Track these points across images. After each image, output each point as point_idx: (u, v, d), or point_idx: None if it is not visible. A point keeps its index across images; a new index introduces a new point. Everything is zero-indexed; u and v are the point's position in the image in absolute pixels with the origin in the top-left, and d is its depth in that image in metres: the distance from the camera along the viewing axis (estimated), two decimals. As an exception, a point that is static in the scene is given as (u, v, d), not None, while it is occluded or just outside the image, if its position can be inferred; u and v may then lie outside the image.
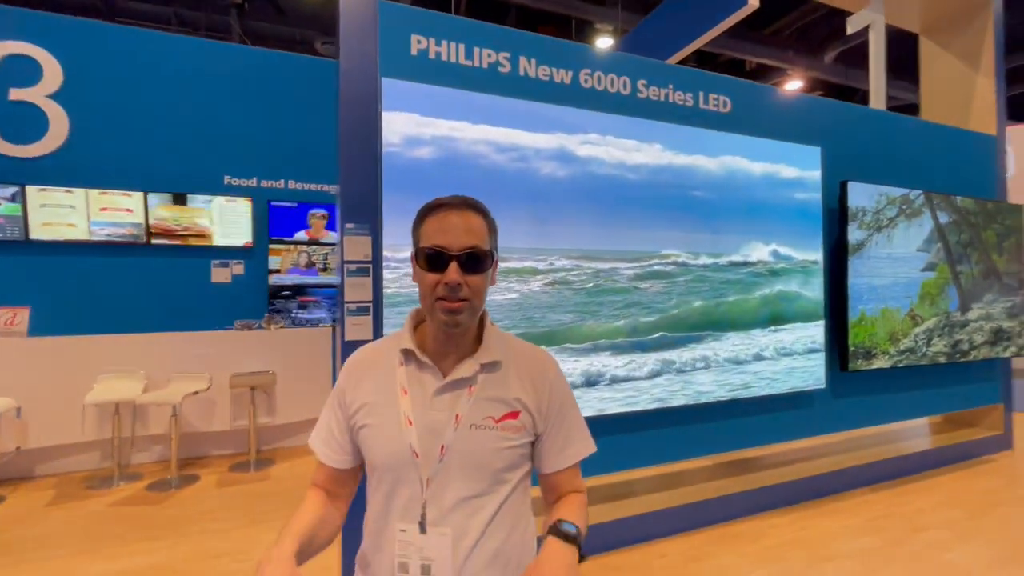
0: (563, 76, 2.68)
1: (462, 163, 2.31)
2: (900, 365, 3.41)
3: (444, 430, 0.83)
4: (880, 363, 3.32)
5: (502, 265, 2.39)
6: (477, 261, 0.83)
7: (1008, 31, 4.34)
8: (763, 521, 2.98)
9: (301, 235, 5.70)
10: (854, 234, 3.22)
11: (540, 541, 0.84)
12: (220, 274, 5.40)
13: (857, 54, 10.86)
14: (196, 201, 5.18)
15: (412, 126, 2.23)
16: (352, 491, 0.97)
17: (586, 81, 2.73)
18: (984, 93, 4.20)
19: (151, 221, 5.01)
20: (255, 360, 4.16)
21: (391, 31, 2.32)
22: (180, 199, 5.14)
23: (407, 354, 0.89)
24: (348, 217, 2.25)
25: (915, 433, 4.19)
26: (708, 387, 2.79)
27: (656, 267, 2.71)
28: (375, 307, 2.27)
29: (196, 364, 4.01)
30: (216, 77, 5.29)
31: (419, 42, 2.38)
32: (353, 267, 2.25)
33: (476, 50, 2.49)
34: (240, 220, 5.38)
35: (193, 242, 5.21)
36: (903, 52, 9.52)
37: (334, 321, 5.74)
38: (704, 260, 2.83)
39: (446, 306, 0.81)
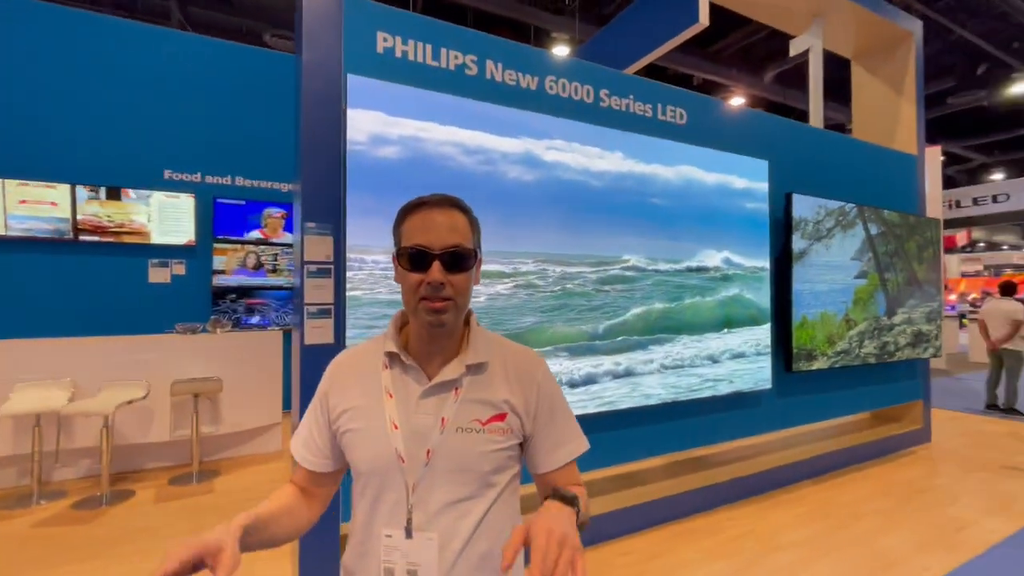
0: (529, 81, 2.70)
1: (429, 164, 2.28)
2: (837, 366, 3.66)
3: (430, 434, 0.81)
4: (819, 364, 3.55)
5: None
6: (460, 260, 0.81)
7: (926, 60, 4.76)
8: (719, 515, 3.11)
9: (255, 234, 5.44)
10: (797, 243, 3.44)
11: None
12: (158, 274, 5.07)
13: (794, 75, 11.61)
14: (132, 196, 4.83)
15: (378, 125, 2.18)
16: (329, 493, 0.95)
17: (551, 87, 2.77)
18: (907, 117, 4.60)
19: (79, 216, 4.64)
20: (199, 366, 3.92)
21: (356, 27, 2.26)
22: (113, 193, 4.78)
23: (391, 357, 0.87)
24: (309, 216, 2.16)
25: (846, 429, 4.50)
26: (664, 389, 2.88)
27: (617, 272, 2.78)
28: (337, 309, 2.20)
29: (132, 371, 3.73)
30: (157, 65, 4.98)
31: (385, 40, 2.34)
32: (314, 268, 2.17)
33: (443, 51, 2.47)
34: (182, 217, 5.08)
35: (128, 239, 4.86)
36: (835, 76, 10.26)
37: (284, 324, 5.51)
38: (662, 266, 2.93)
39: (430, 306, 0.79)
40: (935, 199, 7.95)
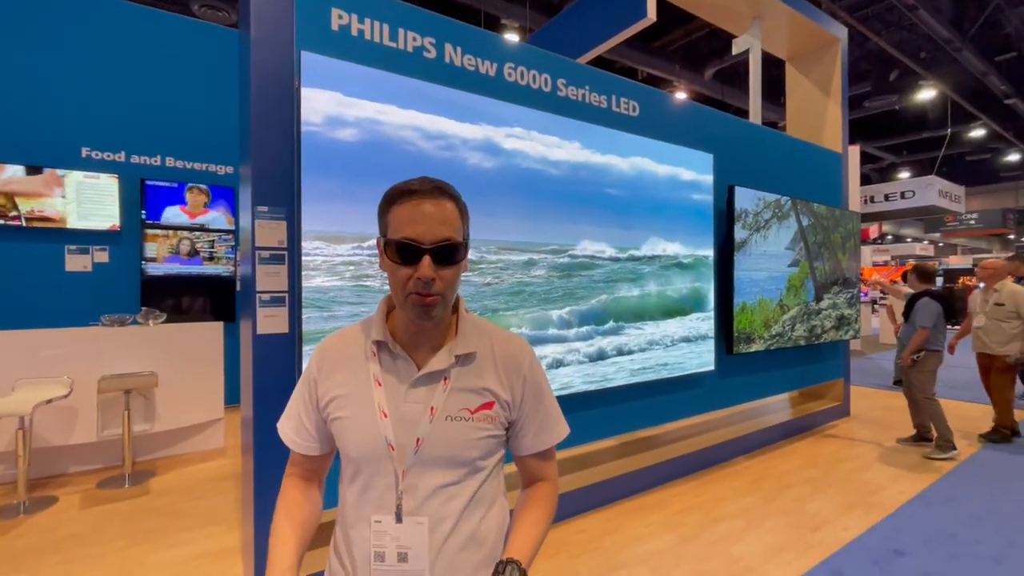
0: (488, 68, 2.69)
1: (388, 148, 2.23)
2: (772, 348, 3.93)
3: (419, 422, 0.82)
4: (757, 346, 3.80)
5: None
6: (451, 253, 0.79)
7: (850, 64, 5.13)
8: (665, 491, 3.28)
9: (176, 212, 5.04)
10: (739, 233, 3.64)
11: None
12: (77, 262, 4.64)
13: (732, 74, 12.18)
14: (41, 175, 4.37)
15: (335, 105, 2.10)
16: (326, 470, 0.97)
17: (510, 75, 2.77)
18: (833, 117, 4.96)
19: (-18, 197, 4.16)
20: (130, 360, 3.65)
21: (309, 2, 2.16)
22: (29, 172, 4.31)
23: (380, 345, 0.86)
24: (260, 199, 2.06)
25: (775, 408, 4.85)
26: (615, 372, 2.99)
27: (572, 259, 2.84)
28: (291, 297, 2.12)
29: (52, 367, 3.42)
30: (72, 31, 4.51)
31: (340, 17, 2.25)
32: (266, 254, 2.07)
33: (401, 32, 2.41)
34: (104, 200, 4.66)
35: (39, 224, 4.41)
36: (768, 76, 10.83)
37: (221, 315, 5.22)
38: (616, 254, 3.02)
39: (420, 301, 0.78)
40: (854, 194, 8.65)
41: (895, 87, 12.93)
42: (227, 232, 5.31)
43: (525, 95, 2.79)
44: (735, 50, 4.64)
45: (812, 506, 3.10)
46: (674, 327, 3.29)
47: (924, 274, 4.12)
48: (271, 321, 2.08)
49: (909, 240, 24.00)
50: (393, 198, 0.82)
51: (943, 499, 3.18)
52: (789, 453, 4.06)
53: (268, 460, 2.05)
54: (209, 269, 5.24)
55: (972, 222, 17.55)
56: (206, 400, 4.05)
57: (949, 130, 14.39)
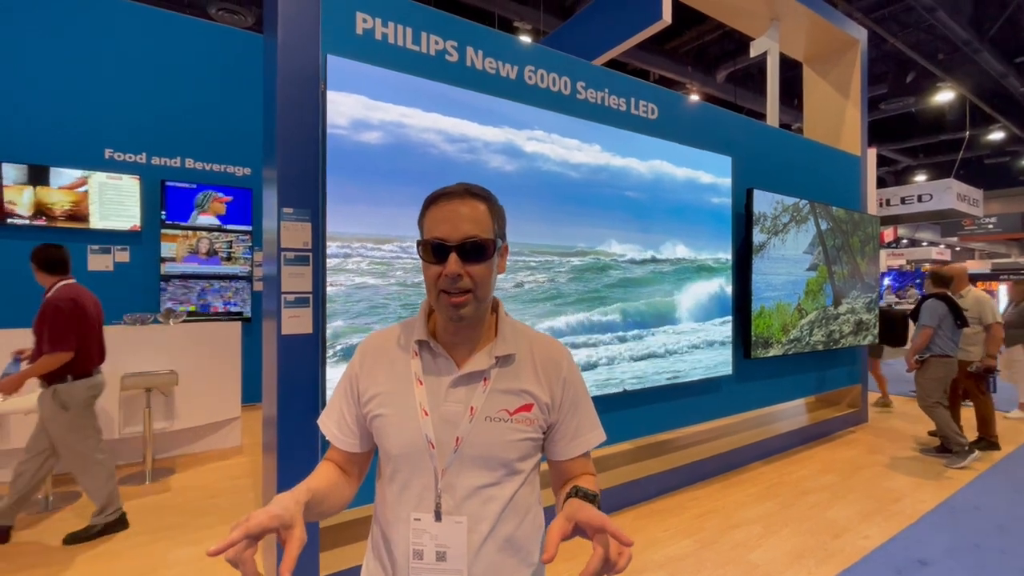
0: (509, 71, 2.70)
1: (412, 151, 2.25)
2: (790, 353, 3.90)
3: (459, 422, 0.84)
4: (775, 351, 3.77)
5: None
6: (478, 251, 0.81)
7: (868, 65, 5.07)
8: (682, 496, 3.26)
9: (201, 218, 5.13)
10: (757, 237, 3.62)
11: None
12: (99, 261, 4.73)
13: (744, 76, 12.10)
14: (66, 176, 4.46)
15: (360, 109, 2.12)
16: (364, 471, 0.96)
17: (530, 78, 2.78)
18: (852, 119, 4.91)
19: (6, 197, 4.25)
20: (151, 358, 3.71)
21: (335, 6, 2.18)
22: (44, 174, 4.40)
23: (421, 344, 0.89)
24: (286, 201, 2.08)
25: (791, 413, 4.81)
26: (632, 376, 2.98)
27: (594, 261, 2.84)
28: (315, 298, 2.14)
29: (76, 364, 3.47)
30: (96, 35, 4.60)
31: (365, 21, 2.27)
32: (291, 255, 2.10)
33: (424, 36, 2.43)
34: (126, 200, 4.75)
35: (63, 224, 4.49)
36: (782, 78, 10.71)
37: (240, 313, 5.28)
38: (635, 256, 3.02)
39: (449, 300, 0.81)
40: (871, 198, 8.55)
41: (912, 89, 12.76)
42: (244, 233, 5.37)
43: (545, 98, 2.80)
44: (753, 52, 4.61)
45: (831, 513, 3.07)
46: (692, 331, 3.28)
47: (938, 278, 4.06)
48: (295, 322, 2.10)
49: (925, 244, 23.67)
50: (427, 204, 0.86)
51: (968, 508, 3.13)
52: (806, 459, 4.02)
53: (292, 459, 2.07)
54: (226, 269, 5.30)
55: (990, 226, 17.26)
56: (224, 399, 4.09)
57: (968, 132, 14.17)
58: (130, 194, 4.75)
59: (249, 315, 5.38)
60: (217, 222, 5.23)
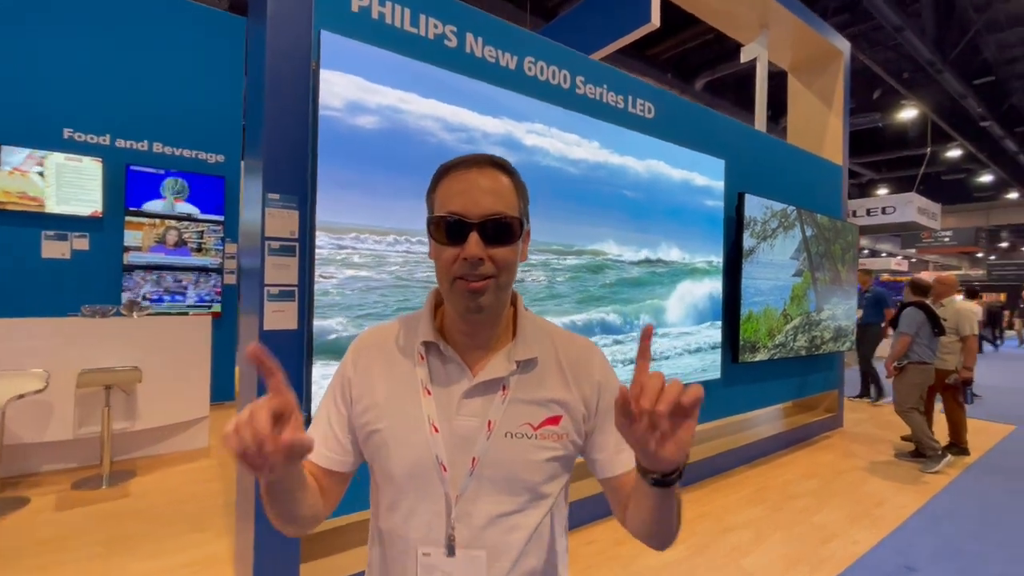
0: (508, 60, 2.60)
1: (409, 138, 2.12)
2: (775, 358, 3.92)
3: (475, 439, 0.71)
4: (761, 355, 3.78)
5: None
6: (503, 230, 0.68)
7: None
8: (671, 502, 3.22)
9: (160, 201, 4.80)
10: (747, 241, 3.62)
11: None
12: (54, 248, 4.40)
13: (722, 86, 12.31)
14: (18, 156, 4.13)
15: (356, 91, 1.98)
16: (339, 497, 0.79)
17: (530, 69, 2.68)
18: (834, 129, 5.00)
19: (-47, 176, 3.90)
20: (112, 353, 3.45)
21: (330, -20, 2.04)
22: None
23: (429, 346, 0.75)
24: (272, 187, 1.93)
25: (770, 417, 4.85)
26: (626, 379, 2.91)
27: (591, 260, 2.76)
28: (301, 291, 1.99)
29: (26, 359, 3.20)
30: (61, 9, 4.28)
31: (361, -3, 2.13)
32: (276, 245, 1.95)
33: (423, 18, 2.31)
34: (86, 184, 4.43)
35: (15, 207, 4.16)
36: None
37: (209, 307, 5.01)
38: (631, 257, 2.96)
39: (467, 287, 0.67)
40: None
41: (878, 105, 13.28)
42: (216, 223, 5.10)
43: (544, 90, 2.71)
44: (743, 58, 4.65)
45: (819, 518, 3.07)
46: (685, 333, 3.24)
47: (917, 287, 4.17)
48: (279, 316, 1.95)
49: (884, 255, 24.66)
50: (439, 175, 0.73)
51: (946, 513, 3.19)
52: (788, 463, 4.05)
53: (272, 465, 1.91)
54: (196, 260, 5.02)
55: (946, 239, 18.09)
56: (191, 397, 3.85)
57: (929, 149, 14.81)
58: (91, 177, 4.44)
59: (219, 309, 5.12)
60: (188, 210, 4.95)
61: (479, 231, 0.67)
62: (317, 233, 1.94)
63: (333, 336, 1.97)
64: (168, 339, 3.72)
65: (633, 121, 3.12)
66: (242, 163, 5.38)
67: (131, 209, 4.68)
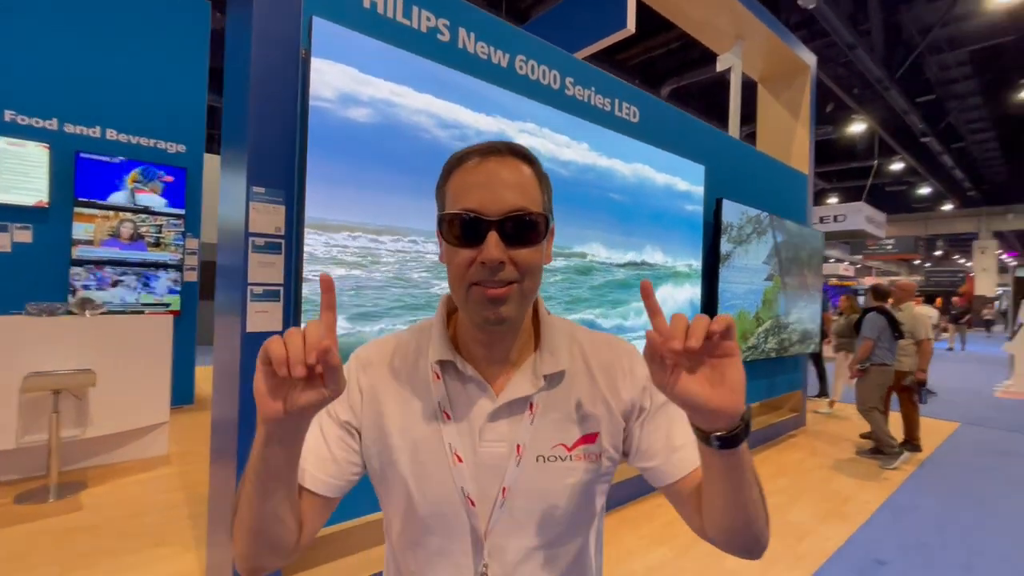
0: (500, 58, 2.56)
1: (402, 133, 2.05)
2: (747, 360, 4.03)
3: (504, 466, 0.63)
4: (735, 357, 3.88)
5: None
6: (526, 229, 0.59)
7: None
8: (648, 503, 3.25)
9: (115, 191, 4.50)
10: (724, 246, 3.70)
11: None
12: (-8, 240, 4.04)
13: (686, 94, 12.66)
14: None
15: (349, 82, 1.89)
16: (320, 525, 0.67)
17: (521, 68, 2.65)
18: (801, 139, 5.20)
19: None
20: (62, 356, 3.19)
21: (321, -36, 1.94)
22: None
23: (444, 364, 0.66)
24: (257, 180, 1.82)
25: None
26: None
27: (579, 263, 2.75)
28: (287, 291, 1.89)
29: (-38, 361, 2.91)
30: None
31: (353, -15, 2.04)
32: (261, 242, 1.83)
33: (416, 10, 2.23)
34: (30, 172, 4.09)
35: (-54, 194, 3.80)
36: (724, 100, 11.26)
37: (167, 305, 4.73)
38: (618, 259, 2.97)
39: (485, 293, 0.59)
40: (800, 215, 9.24)
41: (831, 118, 13.98)
42: (176, 216, 4.82)
43: (535, 90, 2.68)
44: (719, 67, 4.77)
45: (792, 515, 3.17)
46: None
47: (878, 292, 4.39)
48: (263, 318, 1.84)
49: (832, 260, 26.00)
50: (451, 166, 0.64)
51: (908, 508, 3.36)
52: (759, 463, 4.17)
53: (255, 475, 1.80)
54: (154, 256, 4.72)
55: (889, 247, 19.22)
56: (150, 402, 3.62)
57: (876, 161, 15.69)
58: (36, 164, 4.11)
59: (179, 307, 4.83)
60: (146, 203, 4.65)
61: (499, 230, 0.58)
62: (306, 230, 1.84)
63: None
64: (125, 340, 3.47)
65: (619, 124, 3.13)
66: (204, 156, 5.12)
67: (81, 200, 4.36)
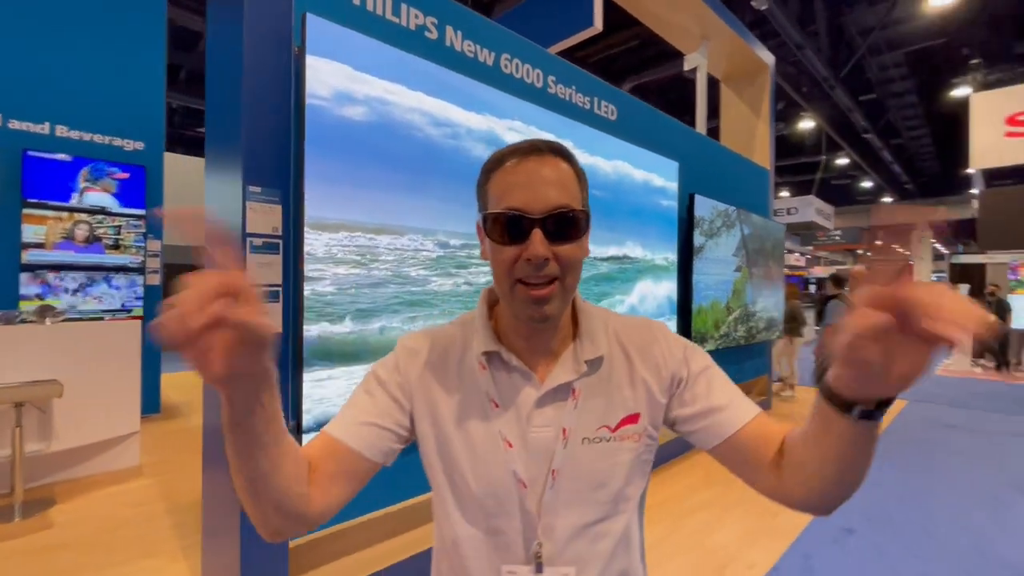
0: (486, 56, 2.58)
1: (395, 131, 2.04)
2: (720, 347, 4.21)
3: (552, 450, 0.67)
4: (709, 346, 4.05)
5: (436, 251, 2.20)
6: (569, 225, 0.62)
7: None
8: (637, 488, 3.37)
9: (87, 196, 4.29)
10: (697, 239, 3.85)
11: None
12: (-71, 245, 3.75)
13: (645, 91, 12.93)
14: None
15: (344, 80, 1.88)
16: (352, 490, 0.66)
17: (506, 66, 2.68)
18: (763, 136, 5.45)
19: None
20: (21, 366, 3.01)
21: (311, -41, 1.92)
22: None
23: (490, 355, 0.70)
24: (252, 179, 1.79)
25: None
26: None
27: (565, 259, 2.81)
28: (286, 292, 1.86)
29: (-88, 376, 2.71)
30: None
31: (342, -19, 2.02)
32: (259, 242, 1.80)
33: (404, 7, 2.23)
34: (-28, 171, 3.82)
35: None
36: (683, 97, 11.61)
37: (128, 311, 4.52)
38: (600, 253, 3.05)
39: (531, 294, 0.62)
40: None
41: (782, 115, 14.62)
42: (136, 217, 4.59)
43: (520, 88, 2.72)
44: (687, 67, 4.93)
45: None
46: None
47: (837, 280, 4.67)
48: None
49: (785, 252, 27.21)
50: (491, 166, 0.67)
51: (870, 481, 3.49)
52: (731, 445, 4.37)
53: (259, 479, 1.78)
54: (112, 259, 4.49)
55: (837, 238, 20.29)
56: (119, 411, 3.46)
57: (824, 156, 16.53)
58: (-21, 163, 3.84)
59: (141, 313, 4.62)
60: (102, 202, 4.42)
61: (542, 227, 0.61)
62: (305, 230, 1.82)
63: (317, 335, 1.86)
64: (90, 347, 3.31)
65: (598, 122, 3.21)
66: (165, 154, 4.90)
67: (30, 201, 4.10)
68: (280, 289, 1.85)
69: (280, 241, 1.85)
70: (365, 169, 1.95)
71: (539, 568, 0.65)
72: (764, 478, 0.67)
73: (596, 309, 0.76)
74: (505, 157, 0.65)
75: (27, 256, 4.09)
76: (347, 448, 0.65)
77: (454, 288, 2.26)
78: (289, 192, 1.87)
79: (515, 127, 2.53)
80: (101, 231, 4.42)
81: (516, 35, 2.76)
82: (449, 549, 0.72)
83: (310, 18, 1.82)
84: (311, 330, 1.82)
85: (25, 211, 4.09)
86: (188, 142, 12.96)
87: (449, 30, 2.41)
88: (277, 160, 1.84)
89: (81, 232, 4.34)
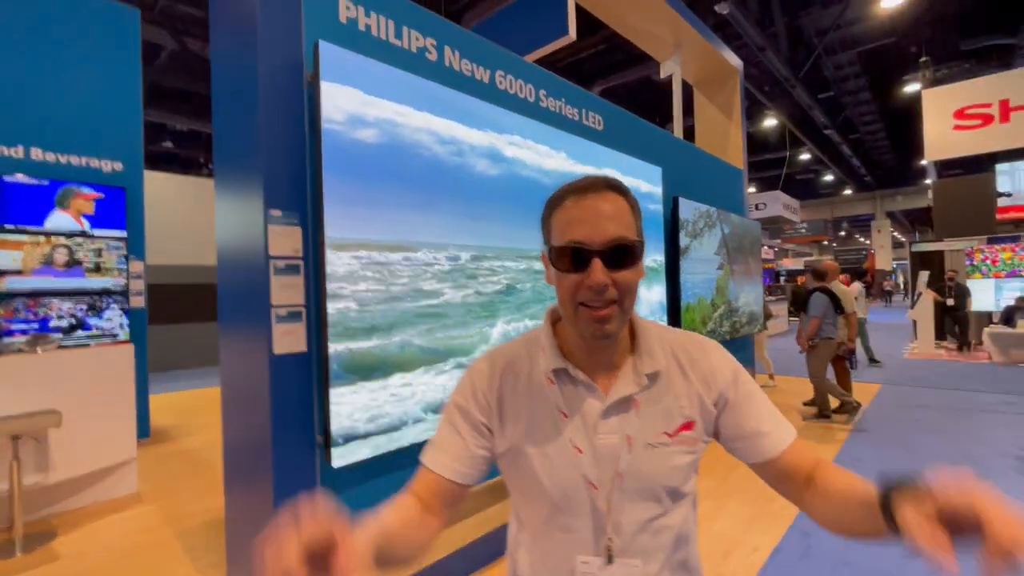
0: (483, 74, 2.67)
1: (403, 151, 2.11)
2: (708, 343, 4.39)
3: (618, 455, 0.75)
4: (698, 342, 4.22)
5: (447, 264, 2.27)
6: (625, 254, 0.70)
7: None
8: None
9: (60, 218, 4.19)
10: (683, 240, 4.02)
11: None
12: (-99, 276, 3.61)
13: (614, 95, 13.21)
14: None
15: (356, 103, 1.94)
16: (454, 512, 0.79)
17: (501, 82, 2.78)
18: (735, 137, 5.68)
19: None
20: (14, 398, 2.94)
21: (318, -12, 1.97)
22: None
23: (558, 371, 0.78)
24: (274, 203, 1.83)
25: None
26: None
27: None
28: (309, 312, 1.91)
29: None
30: None
31: (348, 8, 2.09)
32: (282, 264, 1.85)
33: (405, 31, 2.30)
34: (-54, 198, 3.69)
35: None
36: (657, 101, 11.86)
37: (114, 336, 4.42)
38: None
39: (593, 315, 0.70)
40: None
41: (747, 114, 15.11)
42: (117, 239, 4.50)
43: (515, 103, 2.82)
44: (663, 73, 5.12)
45: (760, 481, 3.51)
46: (641, 327, 3.53)
47: (817, 273, 4.90)
48: (289, 339, 1.85)
49: (761, 247, 28.05)
50: (555, 201, 0.76)
51: (854, 460, 3.82)
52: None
53: (288, 490, 1.82)
54: (94, 282, 4.38)
55: (803, 230, 21.03)
56: (115, 438, 3.40)
57: (787, 152, 17.16)
58: (-46, 190, 3.72)
59: (127, 337, 4.52)
60: (77, 225, 4.32)
61: (602, 258, 0.68)
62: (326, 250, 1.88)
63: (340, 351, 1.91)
64: (83, 374, 3.25)
65: (587, 132, 3.33)
66: (144, 173, 4.81)
67: (6, 227, 3.98)
68: (303, 309, 1.90)
69: (301, 262, 1.90)
70: (379, 189, 2.02)
71: (610, 560, 0.74)
72: (790, 491, 0.78)
73: (651, 324, 0.84)
74: (567, 195, 0.74)
75: (5, 283, 3.97)
76: (447, 481, 0.76)
77: (464, 299, 2.34)
78: (307, 214, 1.91)
79: (515, 141, 2.63)
80: (81, 255, 4.31)
81: (507, 52, 2.86)
82: (527, 542, 0.81)
83: (323, 45, 1.88)
84: (336, 348, 1.87)
85: (0, 237, 3.97)
86: (153, 157, 12.62)
87: (447, 50, 2.49)
88: (295, 183, 1.89)
89: (60, 256, 4.23)
